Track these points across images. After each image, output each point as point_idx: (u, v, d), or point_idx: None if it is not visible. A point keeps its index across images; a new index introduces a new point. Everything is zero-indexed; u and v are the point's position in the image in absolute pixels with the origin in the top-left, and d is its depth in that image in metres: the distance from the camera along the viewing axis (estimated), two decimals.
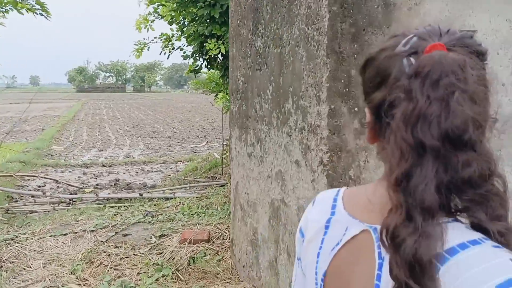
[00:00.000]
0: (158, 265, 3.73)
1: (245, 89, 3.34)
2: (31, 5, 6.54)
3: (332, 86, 2.17)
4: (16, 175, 7.42)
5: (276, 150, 2.81)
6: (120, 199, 6.32)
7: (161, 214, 5.14)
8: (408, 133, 0.61)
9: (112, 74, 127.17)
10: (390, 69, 0.69)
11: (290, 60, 2.57)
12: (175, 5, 6.99)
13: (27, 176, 8.21)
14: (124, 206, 5.74)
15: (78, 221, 4.87)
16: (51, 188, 8.66)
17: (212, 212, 5.05)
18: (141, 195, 6.31)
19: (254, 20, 3.08)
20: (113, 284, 3.42)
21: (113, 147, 15.28)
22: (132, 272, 3.65)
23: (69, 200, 6.16)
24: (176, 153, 13.75)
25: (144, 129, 21.11)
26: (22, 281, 3.55)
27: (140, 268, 3.69)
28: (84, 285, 3.45)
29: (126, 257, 3.92)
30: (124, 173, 10.58)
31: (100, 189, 8.68)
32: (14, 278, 3.60)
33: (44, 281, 3.50)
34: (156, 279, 3.50)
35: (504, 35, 2.44)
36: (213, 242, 4.21)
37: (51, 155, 13.41)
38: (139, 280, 3.50)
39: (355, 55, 2.19)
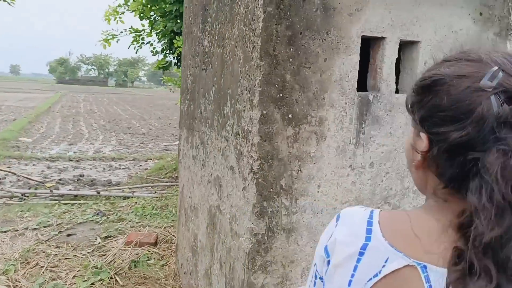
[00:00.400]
0: (97, 268, 3.57)
1: (193, 89, 3.21)
2: None
3: (264, 90, 2.06)
4: None
5: (216, 154, 2.69)
6: (76, 196, 6.12)
7: (113, 214, 4.97)
8: (508, 190, 0.55)
9: (95, 67, 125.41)
10: (473, 105, 0.62)
11: (230, 61, 2.45)
12: (144, 0, 6.82)
13: None
14: (78, 204, 5.54)
15: (23, 218, 4.67)
16: (10, 181, 8.38)
17: (165, 214, 4.90)
18: (98, 192, 6.11)
19: (203, 17, 2.96)
20: (45, 287, 3.25)
21: (84, 142, 14.95)
22: (68, 274, 3.48)
23: (21, 195, 5.93)
24: (148, 151, 13.52)
25: (120, 125, 20.77)
26: None
27: (78, 271, 3.53)
28: (14, 287, 3.27)
29: (66, 259, 3.74)
30: (91, 168, 10.32)
31: (63, 184, 8.42)
32: None
33: None
34: (92, 283, 3.34)
35: (449, 47, 2.36)
36: (160, 245, 4.07)
37: (18, 147, 13.04)
38: (73, 284, 3.33)
39: (291, 59, 2.09)
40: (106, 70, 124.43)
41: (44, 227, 4.35)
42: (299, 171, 2.19)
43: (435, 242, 0.62)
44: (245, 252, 2.21)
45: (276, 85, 2.08)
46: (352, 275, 0.70)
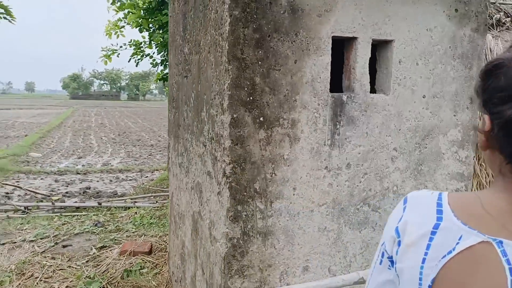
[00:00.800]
0: (89, 278, 3.57)
1: (177, 96, 3.23)
2: None
3: (234, 94, 2.06)
4: None
5: (196, 160, 2.69)
6: (78, 208, 6.16)
7: (111, 224, 4.99)
8: None
9: (107, 82, 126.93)
10: None
11: (204, 67, 2.47)
12: (142, 13, 6.90)
13: None
14: (78, 216, 5.58)
15: (22, 230, 4.72)
16: (18, 195, 8.49)
17: (162, 223, 4.91)
18: (99, 204, 6.15)
19: (183, 25, 2.98)
20: None
21: (93, 155, 15.10)
22: (61, 285, 3.50)
23: (24, 208, 6.00)
24: (155, 162, 13.61)
25: (129, 137, 20.95)
26: None
27: (70, 281, 3.54)
28: None
29: (60, 269, 3.76)
30: (98, 181, 10.42)
31: (69, 197, 8.51)
32: None
33: None
34: None
35: (423, 45, 2.34)
36: (155, 254, 4.07)
37: (28, 162, 13.22)
38: None
39: (260, 62, 2.08)
40: (118, 84, 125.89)
41: (41, 238, 4.38)
42: (273, 174, 2.17)
43: (509, 219, 0.67)
44: (221, 256, 2.19)
45: (246, 88, 2.08)
46: (426, 253, 0.74)
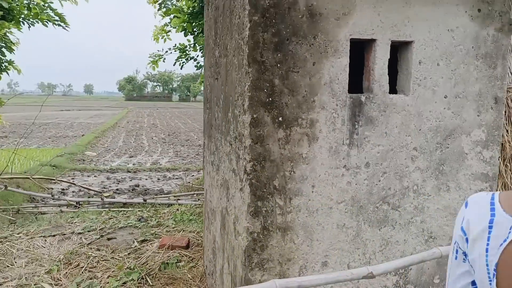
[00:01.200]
0: (130, 269, 3.80)
1: (210, 98, 3.38)
2: (50, 16, 6.89)
3: (254, 95, 2.18)
4: (33, 178, 7.77)
5: (224, 158, 2.83)
6: (125, 204, 6.49)
7: (153, 220, 5.24)
8: None
9: (160, 84, 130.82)
10: None
11: (230, 70, 2.59)
12: (186, 17, 7.16)
13: (44, 179, 8.57)
14: (124, 211, 5.89)
15: (72, 223, 5.06)
16: (72, 191, 9.03)
17: (201, 220, 5.09)
18: (145, 200, 6.45)
19: (215, 30, 3.13)
20: (82, 285, 3.52)
21: (144, 154, 15.70)
22: (104, 275, 3.75)
23: (76, 203, 6.40)
24: (201, 161, 13.95)
25: (179, 137, 21.57)
26: (2, 278, 3.72)
27: (112, 271, 3.78)
28: (55, 284, 3.57)
29: (104, 260, 4.02)
30: (146, 179, 10.85)
31: (119, 194, 8.95)
32: None
33: (20, 279, 3.66)
34: (124, 283, 3.57)
35: (445, 45, 2.36)
36: (191, 249, 4.25)
37: (83, 160, 13.96)
38: (107, 283, 3.58)
39: (279, 64, 2.19)
40: (170, 86, 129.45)
41: (88, 231, 4.69)
42: (292, 172, 2.27)
43: None
44: (242, 250, 2.31)
45: (265, 90, 2.19)
46: (487, 244, 0.89)
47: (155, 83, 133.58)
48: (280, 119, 2.22)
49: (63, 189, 9.07)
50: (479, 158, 2.50)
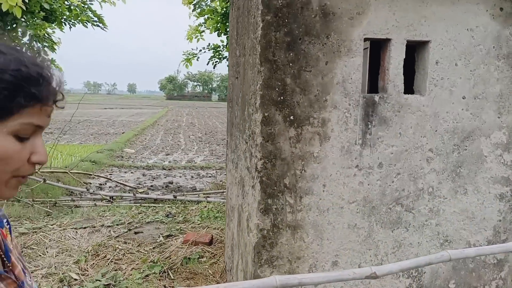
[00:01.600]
0: (153, 262, 3.91)
1: (231, 97, 3.43)
2: (90, 17, 7.17)
3: (265, 94, 2.20)
4: (71, 172, 8.09)
5: (241, 156, 2.87)
6: (155, 199, 6.66)
7: (181, 216, 5.35)
8: None
9: (200, 84, 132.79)
10: None
11: (247, 69, 2.63)
12: (219, 18, 7.25)
13: (82, 173, 8.89)
14: (154, 207, 6.04)
15: (103, 217, 5.24)
16: (109, 187, 9.33)
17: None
18: (175, 197, 6.59)
19: (236, 30, 3.18)
20: (107, 276, 3.65)
21: (180, 152, 15.99)
22: (128, 267, 3.87)
23: (110, 198, 6.61)
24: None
25: (215, 136, 21.81)
26: (34, 266, 3.91)
27: (136, 264, 3.90)
28: (82, 274, 3.72)
29: (129, 253, 4.15)
30: (180, 176, 11.06)
31: (153, 190, 9.17)
32: (28, 263, 3.98)
33: (49, 267, 3.83)
34: (146, 275, 3.68)
35: (463, 45, 2.30)
36: (214, 245, 4.32)
37: (122, 157, 14.38)
38: (131, 275, 3.70)
39: (291, 64, 2.20)
40: (210, 86, 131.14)
41: (117, 225, 4.85)
42: (303, 171, 2.28)
43: None
44: (252, 246, 2.35)
45: (277, 89, 2.21)
46: None
47: (195, 83, 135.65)
48: (292, 117, 2.23)
49: (100, 184, 9.39)
50: (499, 161, 2.42)
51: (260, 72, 2.21)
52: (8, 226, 0.81)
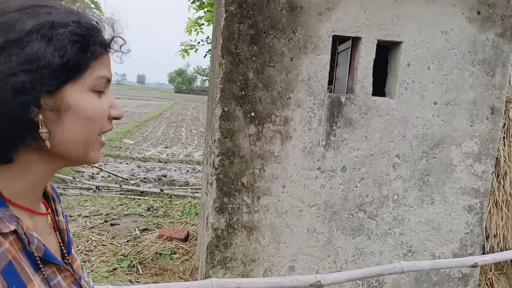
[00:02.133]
0: (123, 256, 3.83)
1: (209, 92, 3.34)
2: (88, 4, 7.09)
3: (226, 88, 2.11)
4: None
5: (208, 152, 2.78)
6: (142, 192, 6.59)
7: (162, 210, 5.27)
8: None
9: (209, 78, 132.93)
10: None
11: (215, 62, 2.54)
12: None
13: None
14: (137, 199, 5.97)
15: (82, 206, 5.17)
16: (102, 176, 9.27)
17: None
18: (161, 190, 6.52)
19: (215, 22, 3.09)
20: None
21: (179, 146, 15.90)
22: (98, 259, 3.79)
23: (95, 187, 6.55)
24: None
25: None
26: None
27: (106, 257, 3.82)
28: None
29: (102, 245, 4.07)
30: (175, 170, 10.97)
31: (145, 182, 9.10)
32: None
33: None
34: (114, 269, 3.60)
35: (437, 48, 2.20)
36: (190, 242, 4.23)
37: (120, 147, 14.33)
38: (98, 267, 3.62)
39: (254, 58, 2.11)
40: None
41: (94, 215, 4.77)
42: (262, 170, 2.18)
43: None
44: (205, 246, 2.26)
45: (238, 83, 2.12)
46: None
47: (204, 77, 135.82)
48: (253, 114, 2.14)
49: (92, 174, 9.35)
50: (469, 171, 2.32)
51: (221, 65, 2.11)
52: (65, 215, 0.73)
